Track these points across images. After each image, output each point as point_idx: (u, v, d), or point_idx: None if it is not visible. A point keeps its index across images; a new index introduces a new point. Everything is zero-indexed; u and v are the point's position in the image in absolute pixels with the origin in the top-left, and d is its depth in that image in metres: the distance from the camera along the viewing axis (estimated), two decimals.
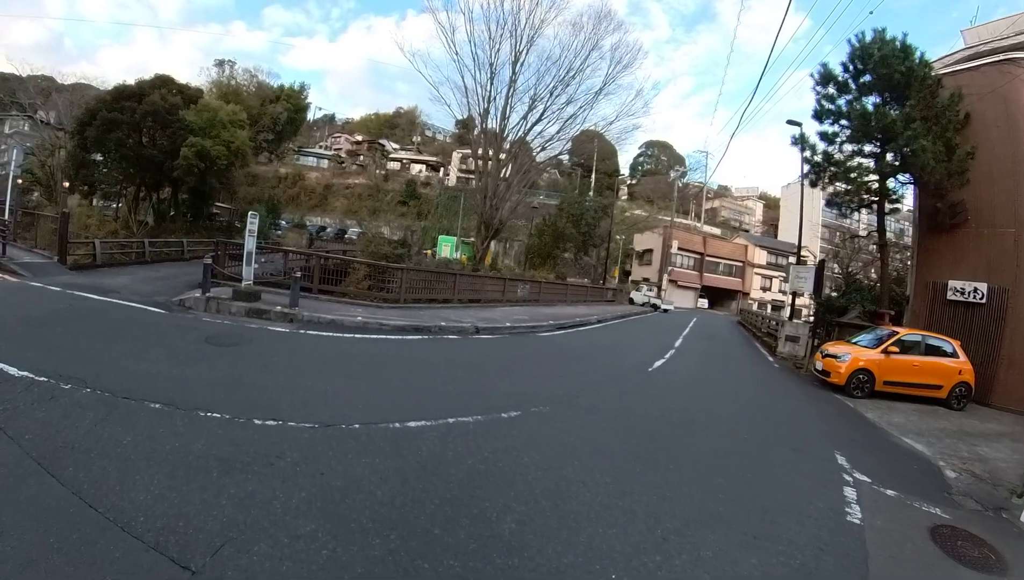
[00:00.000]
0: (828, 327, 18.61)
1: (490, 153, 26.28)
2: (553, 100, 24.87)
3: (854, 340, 13.63)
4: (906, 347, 12.25)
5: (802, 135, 18.38)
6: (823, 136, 17.55)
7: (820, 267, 20.23)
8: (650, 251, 58.18)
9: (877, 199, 16.98)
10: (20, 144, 41.10)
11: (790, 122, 23.47)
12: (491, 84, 24.51)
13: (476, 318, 14.42)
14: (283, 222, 50.43)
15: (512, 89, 24.76)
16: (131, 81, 33.97)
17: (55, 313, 8.92)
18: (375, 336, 10.29)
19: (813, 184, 18.88)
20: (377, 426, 5.01)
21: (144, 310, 10.17)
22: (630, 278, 56.33)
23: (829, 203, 19.12)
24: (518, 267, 37.82)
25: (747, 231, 75.88)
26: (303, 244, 36.64)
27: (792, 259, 59.91)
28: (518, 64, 24.31)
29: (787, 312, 56.35)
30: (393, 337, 10.50)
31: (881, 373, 11.80)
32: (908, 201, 18.38)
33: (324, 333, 9.81)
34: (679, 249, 54.43)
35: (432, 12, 27.40)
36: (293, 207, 62.61)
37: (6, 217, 18.82)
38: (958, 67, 15.65)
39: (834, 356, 12.47)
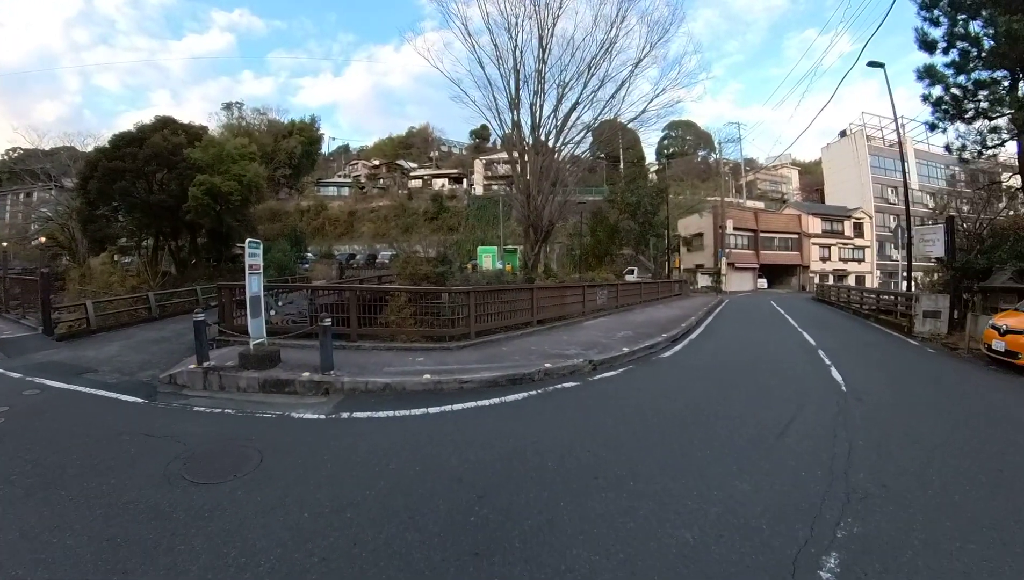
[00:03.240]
0: (968, 295, 15.42)
1: (527, 147, 22.93)
2: (588, 81, 21.41)
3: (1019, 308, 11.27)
4: None
5: (929, 67, 14.93)
6: (929, 72, 14.96)
7: (950, 225, 16.42)
8: (700, 235, 53.08)
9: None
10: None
11: (872, 64, 20.42)
12: (515, 75, 21.13)
13: (578, 345, 10.94)
14: (309, 254, 47.94)
15: (542, 73, 21.41)
16: (131, 127, 31.98)
17: None
18: (460, 406, 6.67)
19: (932, 127, 16.03)
20: None
21: (115, 401, 6.99)
22: (681, 267, 51.90)
23: (948, 147, 16.92)
24: (575, 272, 34.23)
25: (786, 201, 70.54)
26: (333, 275, 33.94)
27: (851, 222, 56.17)
28: (546, 39, 20.87)
29: (863, 281, 52.74)
30: (486, 402, 6.89)
31: None
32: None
33: (380, 413, 6.32)
34: (734, 229, 49.55)
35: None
36: (319, 238, 60.34)
37: None
38: None
39: (1020, 332, 9.90)
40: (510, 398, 7.09)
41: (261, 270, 8.49)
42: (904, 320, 17.08)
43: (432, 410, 6.43)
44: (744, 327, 17.36)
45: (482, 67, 21.59)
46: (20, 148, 60.45)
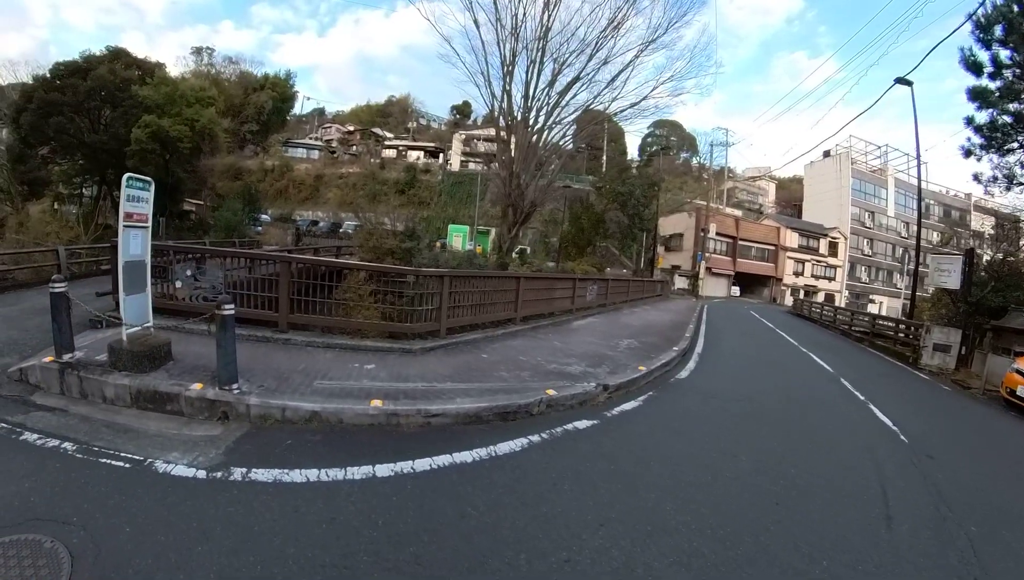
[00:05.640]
0: (976, 333, 15.02)
1: (516, 120, 20.78)
2: (592, 55, 19.35)
3: None
4: None
5: (982, 89, 14.25)
6: (981, 94, 14.32)
7: (969, 257, 15.42)
8: (680, 236, 52.11)
9: None
10: None
11: (899, 80, 19.34)
12: (513, 38, 18.89)
13: (579, 358, 8.93)
14: (265, 216, 44.37)
15: (543, 41, 19.22)
16: (76, 57, 28.30)
17: None
18: (427, 464, 4.32)
19: (968, 154, 15.66)
20: None
21: None
22: (660, 266, 50.68)
23: (977, 176, 16.72)
24: (548, 260, 32.33)
25: (762, 212, 70.79)
26: (288, 241, 30.99)
27: (827, 240, 56.50)
28: (553, 2, 18.67)
29: (836, 302, 53.61)
30: (467, 457, 4.57)
31: None
32: None
33: (294, 474, 3.91)
34: (715, 234, 48.81)
35: None
36: (281, 201, 56.90)
37: None
38: None
39: None
40: (503, 449, 4.91)
41: (148, 223, 5.94)
42: (906, 349, 17.16)
43: (381, 471, 4.13)
44: (744, 341, 16.63)
45: (477, 26, 19.22)
46: None
